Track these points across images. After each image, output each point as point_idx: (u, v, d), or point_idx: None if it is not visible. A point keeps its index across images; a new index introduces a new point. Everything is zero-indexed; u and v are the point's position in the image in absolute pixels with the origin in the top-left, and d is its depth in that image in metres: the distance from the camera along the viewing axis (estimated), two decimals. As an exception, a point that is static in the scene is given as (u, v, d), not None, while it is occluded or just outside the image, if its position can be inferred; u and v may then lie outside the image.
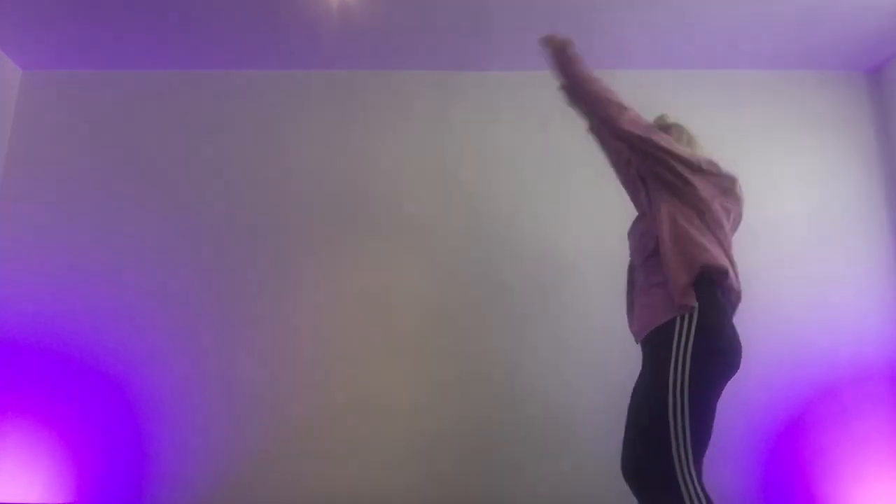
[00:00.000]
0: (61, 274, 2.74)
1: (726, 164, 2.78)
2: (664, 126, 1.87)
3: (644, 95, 2.92)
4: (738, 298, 1.70)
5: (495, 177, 2.85)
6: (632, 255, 1.84)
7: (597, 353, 2.64)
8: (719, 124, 2.87)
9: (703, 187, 1.66)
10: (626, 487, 2.52)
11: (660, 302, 1.59)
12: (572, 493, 2.54)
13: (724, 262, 1.61)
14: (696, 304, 1.53)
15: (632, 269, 1.85)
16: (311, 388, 2.64)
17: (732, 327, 1.62)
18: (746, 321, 2.63)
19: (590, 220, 2.79)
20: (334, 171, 2.85)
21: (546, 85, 2.97)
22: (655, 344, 1.58)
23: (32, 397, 2.63)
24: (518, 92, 2.93)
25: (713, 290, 1.59)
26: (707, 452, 2.56)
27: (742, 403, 2.58)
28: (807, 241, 2.73)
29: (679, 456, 1.46)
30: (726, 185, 1.73)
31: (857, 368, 2.59)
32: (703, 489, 1.48)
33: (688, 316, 1.54)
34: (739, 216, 1.79)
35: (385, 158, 2.86)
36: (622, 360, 2.64)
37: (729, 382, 2.59)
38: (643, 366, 1.64)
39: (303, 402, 2.64)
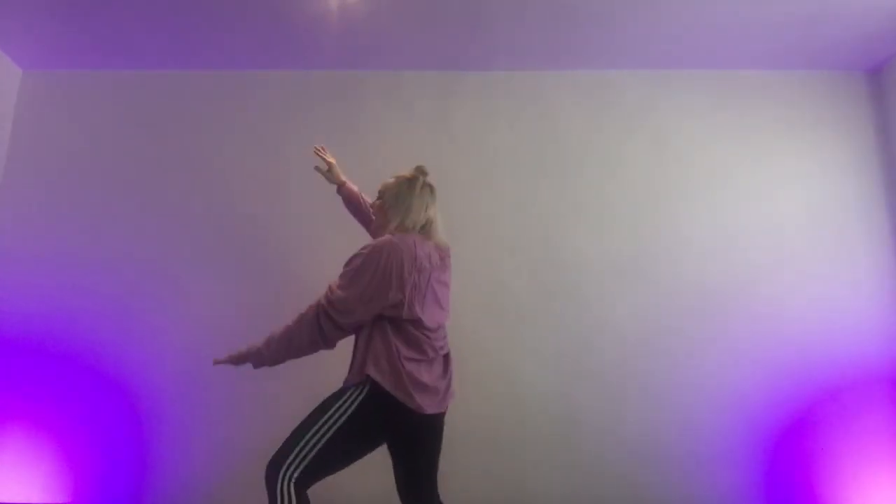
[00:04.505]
0: (61, 273, 2.75)
1: (726, 163, 2.82)
2: (413, 177, 1.98)
3: (644, 96, 2.94)
4: None
5: (495, 177, 2.86)
6: None
7: (597, 353, 2.65)
8: (719, 124, 2.87)
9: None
10: (624, 486, 2.54)
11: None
12: (572, 491, 2.54)
13: None
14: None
15: None
16: (310, 388, 2.64)
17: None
18: (747, 321, 2.67)
19: (589, 219, 2.79)
20: (334, 171, 2.85)
21: (546, 85, 2.99)
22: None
23: (32, 397, 2.63)
24: (518, 92, 2.93)
25: None
26: (707, 452, 2.57)
27: (742, 404, 2.59)
28: (806, 240, 2.73)
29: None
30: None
31: (857, 368, 2.59)
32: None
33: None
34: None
35: (385, 158, 2.86)
36: (622, 359, 2.65)
37: (729, 382, 2.61)
38: None
39: (303, 401, 2.63)
